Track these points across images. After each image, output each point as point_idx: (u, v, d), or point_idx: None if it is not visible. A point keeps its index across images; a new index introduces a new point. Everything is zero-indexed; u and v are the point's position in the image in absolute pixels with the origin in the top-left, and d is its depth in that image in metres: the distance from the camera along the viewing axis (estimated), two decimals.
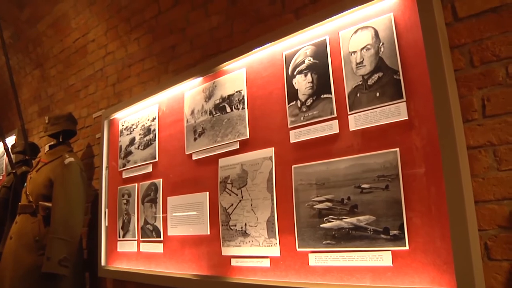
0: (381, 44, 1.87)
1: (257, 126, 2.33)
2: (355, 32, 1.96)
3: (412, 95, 1.77)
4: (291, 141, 2.13)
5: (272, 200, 2.17)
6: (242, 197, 2.33)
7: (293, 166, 2.10)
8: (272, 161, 2.21)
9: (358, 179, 1.85)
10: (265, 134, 2.28)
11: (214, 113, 2.57)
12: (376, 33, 1.90)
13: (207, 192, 2.56)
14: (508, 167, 1.58)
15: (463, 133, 1.66)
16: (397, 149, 1.76)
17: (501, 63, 1.64)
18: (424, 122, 1.73)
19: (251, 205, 2.28)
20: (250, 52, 2.38)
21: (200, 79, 2.72)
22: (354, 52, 1.95)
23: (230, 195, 2.40)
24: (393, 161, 1.76)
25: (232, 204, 2.38)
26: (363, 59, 1.91)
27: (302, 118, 2.10)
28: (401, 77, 1.78)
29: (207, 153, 2.58)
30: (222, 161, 2.48)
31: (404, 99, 1.76)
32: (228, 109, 2.49)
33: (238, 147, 2.40)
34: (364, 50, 1.92)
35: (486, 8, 1.68)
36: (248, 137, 2.35)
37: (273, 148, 2.22)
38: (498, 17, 1.66)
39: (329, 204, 1.94)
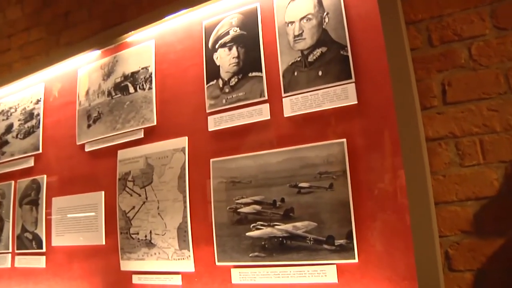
0: (325, 14, 1.44)
1: (167, 110, 1.77)
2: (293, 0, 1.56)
3: (362, 75, 1.36)
4: (210, 129, 1.61)
5: (185, 202, 1.63)
6: (146, 198, 1.75)
7: (211, 160, 1.58)
8: (185, 153, 1.66)
9: (295, 176, 1.39)
10: (177, 120, 1.73)
11: (113, 94, 1.94)
12: (320, 1, 1.45)
13: (103, 192, 1.91)
14: (472, 163, 1.24)
15: (421, 123, 1.32)
16: (344, 140, 1.33)
17: (463, 44, 1.29)
18: (377, 107, 1.33)
19: (158, 208, 1.70)
20: (161, 20, 1.80)
21: (98, 52, 2.06)
22: (292, 22, 1.49)
23: (131, 195, 1.79)
24: (338, 155, 1.33)
25: (133, 207, 1.78)
26: (303, 31, 1.46)
27: (224, 101, 1.59)
28: (349, 53, 1.36)
29: (103, 143, 1.94)
30: (121, 153, 1.86)
31: (353, 79, 1.34)
32: (131, 89, 1.87)
33: (142, 136, 1.81)
34: (304, 21, 1.47)
35: None
36: (155, 123, 1.78)
37: (187, 138, 1.68)
38: None
39: (257, 207, 1.45)
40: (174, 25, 1.81)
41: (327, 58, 1.40)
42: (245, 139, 1.54)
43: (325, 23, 1.43)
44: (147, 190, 1.75)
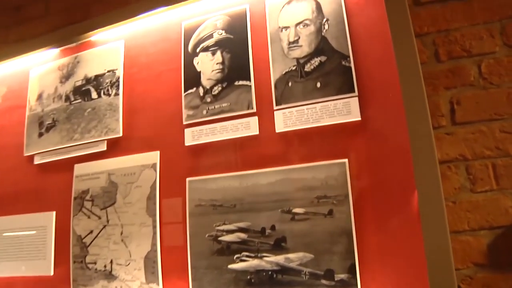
0: (324, 20, 1.28)
1: (135, 120, 1.52)
2: (288, 2, 1.34)
3: (366, 88, 1.20)
4: (187, 144, 1.38)
5: (154, 227, 1.37)
6: (107, 221, 1.46)
7: (188, 179, 1.35)
8: (155, 170, 1.42)
9: (288, 200, 1.19)
10: (148, 131, 1.48)
11: (72, 99, 1.65)
12: (319, 7, 1.29)
13: (54, 212, 1.60)
14: (484, 188, 1.10)
15: (434, 143, 1.17)
16: (346, 160, 1.16)
17: (473, 60, 1.18)
18: (384, 124, 1.17)
19: (122, 233, 1.43)
20: (132, 18, 1.56)
21: (55, 51, 1.77)
22: (286, 27, 1.31)
23: (89, 217, 1.50)
24: (339, 177, 1.15)
25: (91, 232, 1.49)
26: (299, 38, 1.28)
27: (204, 112, 1.37)
28: (352, 64, 1.20)
29: (57, 155, 1.63)
30: (79, 168, 1.57)
31: (356, 93, 1.18)
32: (94, 95, 1.60)
33: (105, 148, 1.54)
34: (301, 26, 1.29)
35: None
36: (121, 134, 1.52)
37: (158, 153, 1.43)
38: (466, 6, 1.24)
39: (243, 235, 1.23)
40: (148, 25, 1.57)
41: (326, 68, 1.24)
42: (229, 156, 1.33)
43: (324, 30, 1.28)
44: (109, 212, 1.47)
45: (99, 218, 1.48)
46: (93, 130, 1.57)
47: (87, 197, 1.52)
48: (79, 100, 1.64)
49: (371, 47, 1.24)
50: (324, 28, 1.27)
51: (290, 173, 1.22)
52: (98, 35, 1.67)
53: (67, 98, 1.67)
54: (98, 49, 1.66)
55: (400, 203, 1.13)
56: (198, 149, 1.38)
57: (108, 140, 1.54)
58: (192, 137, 1.37)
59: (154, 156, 1.45)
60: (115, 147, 1.55)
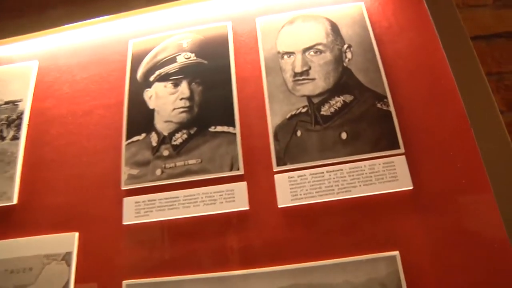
0: (345, 47, 0.86)
1: (42, 180, 0.91)
2: (291, 21, 0.91)
3: (416, 143, 0.77)
4: (126, 222, 0.81)
5: None
6: None
7: (125, 283, 0.76)
8: (69, 265, 0.80)
9: None
10: (60, 199, 0.88)
11: None
12: (335, 29, 0.88)
13: None
14: None
15: None
16: (396, 252, 0.68)
17: None
18: (445, 194, 0.72)
19: None
20: (54, 29, 1.01)
21: None
22: (290, 53, 0.87)
23: None
24: (388, 280, 0.66)
25: None
26: (309, 68, 0.84)
27: (158, 172, 0.83)
28: (391, 108, 0.79)
29: None
30: None
31: (402, 149, 0.75)
32: None
33: None
34: (311, 53, 0.86)
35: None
36: (14, 202, 0.89)
37: (76, 235, 0.83)
38: None
39: None
40: (76, 40, 1.03)
41: (354, 112, 0.80)
42: (200, 245, 0.78)
43: (346, 60, 0.86)
44: None
45: None
46: None
47: None
48: None
49: (415, 85, 0.84)
50: (345, 56, 0.87)
51: (304, 276, 0.70)
52: None
53: None
54: None
55: None
56: (146, 232, 0.81)
57: None
58: (136, 211, 0.81)
59: (68, 241, 0.83)
60: (1, 223, 0.90)
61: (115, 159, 0.89)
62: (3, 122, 1.00)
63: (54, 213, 0.89)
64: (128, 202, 0.83)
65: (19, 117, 1.00)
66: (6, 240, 0.89)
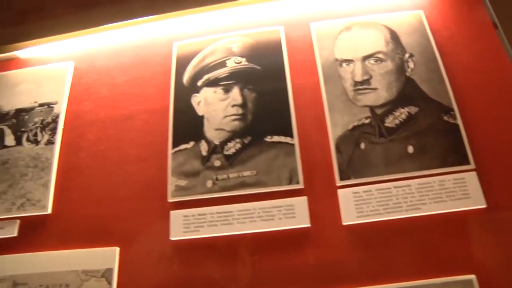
0: (407, 56, 0.81)
1: (78, 188, 0.85)
2: (348, 28, 0.87)
3: (487, 158, 0.72)
4: (173, 238, 0.75)
5: None
6: None
7: None
8: (110, 283, 0.73)
9: None
10: (99, 210, 0.82)
11: None
12: (395, 37, 0.83)
13: None
14: None
15: None
16: (473, 276, 0.63)
17: None
18: None
19: None
20: (91, 29, 0.94)
21: None
22: (349, 61, 0.82)
23: None
24: None
25: None
26: (370, 77, 0.79)
27: (210, 184, 0.77)
28: (458, 121, 0.74)
29: None
30: None
31: (473, 164, 0.71)
32: (9, 139, 0.91)
33: (15, 234, 0.82)
34: (371, 61, 0.81)
35: None
36: (49, 211, 0.83)
37: (117, 250, 0.77)
38: None
39: None
40: (114, 42, 0.97)
41: (420, 124, 0.74)
42: (255, 264, 0.71)
43: (409, 70, 0.80)
44: None
45: None
46: None
47: None
48: None
49: (482, 97, 0.79)
50: (408, 66, 0.83)
51: None
52: (29, 50, 1.00)
53: None
54: (28, 71, 0.99)
55: None
56: (195, 249, 0.75)
57: (23, 219, 0.84)
58: (185, 226, 0.75)
59: (108, 256, 0.77)
60: (35, 234, 0.83)
61: (160, 168, 0.82)
62: (37, 125, 0.94)
63: (91, 225, 0.82)
64: (176, 216, 0.77)
65: (54, 120, 0.93)
66: (40, 252, 0.82)
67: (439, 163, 0.73)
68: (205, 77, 0.87)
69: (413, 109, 0.77)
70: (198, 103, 0.86)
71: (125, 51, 0.98)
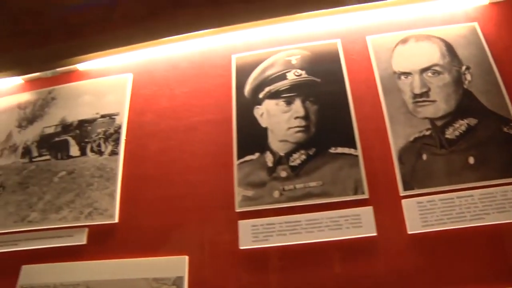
0: (464, 68, 0.84)
1: (144, 197, 0.89)
2: (404, 41, 0.89)
3: None
4: (242, 247, 0.79)
5: None
6: None
7: None
8: None
9: None
10: (166, 220, 0.86)
11: (35, 153, 0.98)
12: (451, 49, 0.86)
13: None
14: None
15: None
16: None
17: None
18: None
19: None
20: (150, 42, 0.97)
21: (17, 81, 1.10)
22: (407, 74, 0.85)
23: None
24: None
25: None
26: (429, 89, 0.82)
27: (276, 194, 0.80)
28: None
29: None
30: (29, 272, 0.85)
31: None
32: (74, 150, 0.96)
33: (84, 242, 0.87)
34: (429, 74, 0.84)
35: None
36: (116, 221, 0.88)
37: (187, 259, 0.81)
38: None
39: None
40: (172, 53, 1.01)
41: (479, 136, 0.77)
42: (324, 272, 0.75)
43: (466, 82, 0.83)
44: None
45: None
46: (65, 208, 0.90)
47: None
48: (47, 157, 0.97)
49: None
50: (465, 78, 0.85)
51: None
52: (90, 63, 1.04)
53: (27, 152, 0.99)
54: (89, 83, 1.03)
55: None
56: (265, 258, 0.79)
57: (91, 227, 0.88)
58: (254, 236, 0.79)
59: (178, 265, 0.81)
60: (103, 242, 0.88)
61: (225, 179, 0.86)
62: (100, 136, 0.98)
63: (158, 234, 0.87)
64: (244, 226, 0.81)
65: (117, 131, 0.97)
66: (110, 260, 0.87)
67: (500, 174, 0.76)
68: (266, 89, 0.91)
69: (473, 121, 0.80)
70: (261, 115, 0.89)
71: (182, 63, 1.01)
